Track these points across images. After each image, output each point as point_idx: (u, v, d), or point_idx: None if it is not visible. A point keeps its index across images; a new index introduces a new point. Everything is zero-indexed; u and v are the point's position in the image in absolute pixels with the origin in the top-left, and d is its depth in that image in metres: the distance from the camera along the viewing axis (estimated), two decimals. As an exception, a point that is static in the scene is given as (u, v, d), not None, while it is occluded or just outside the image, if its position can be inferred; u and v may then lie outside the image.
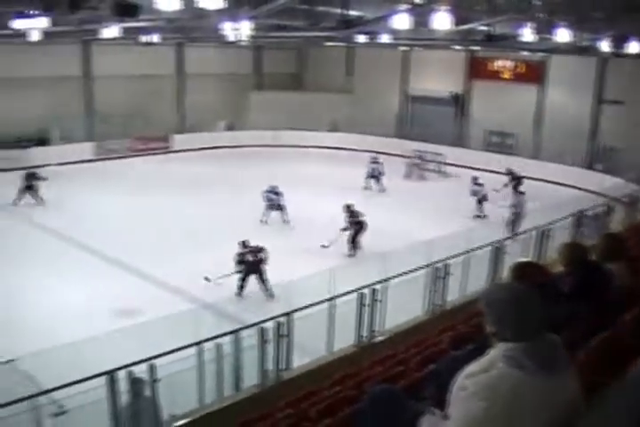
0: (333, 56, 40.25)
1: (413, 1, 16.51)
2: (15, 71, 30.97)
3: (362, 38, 20.72)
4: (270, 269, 15.99)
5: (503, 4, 15.09)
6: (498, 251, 13.27)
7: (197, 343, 9.02)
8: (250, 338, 9.54)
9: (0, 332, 13.43)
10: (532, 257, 13.87)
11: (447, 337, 8.85)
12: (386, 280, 11.42)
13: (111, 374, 7.90)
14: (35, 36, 22.20)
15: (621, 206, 18.94)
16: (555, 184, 29.41)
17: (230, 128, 39.13)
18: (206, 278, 16.42)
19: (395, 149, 34.30)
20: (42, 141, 32.30)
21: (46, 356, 8.53)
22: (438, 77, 37.10)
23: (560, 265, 5.82)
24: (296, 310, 9.91)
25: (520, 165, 30.32)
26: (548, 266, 6.55)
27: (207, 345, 9.14)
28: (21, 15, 14.96)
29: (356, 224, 19.55)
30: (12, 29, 17.92)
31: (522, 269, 5.09)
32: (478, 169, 30.77)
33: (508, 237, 15.54)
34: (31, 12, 14.20)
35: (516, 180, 26.83)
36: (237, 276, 16.23)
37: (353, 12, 14.32)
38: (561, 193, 26.85)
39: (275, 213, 22.55)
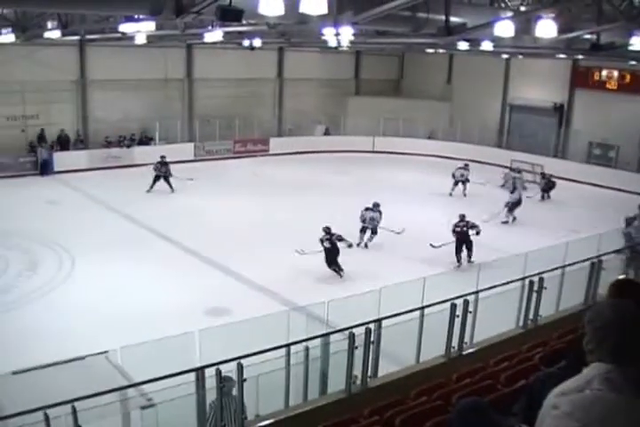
0: (433, 63, 39.96)
1: (517, 8, 16.28)
2: (120, 73, 32.06)
3: (463, 45, 20.50)
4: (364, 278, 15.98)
5: (610, 11, 14.64)
6: (596, 266, 12.84)
7: (286, 345, 9.07)
8: (337, 343, 9.54)
9: (102, 324, 13.91)
10: (632, 275, 13.40)
11: (539, 353, 8.65)
12: (478, 292, 11.24)
13: (200, 371, 8.03)
14: (141, 40, 22.91)
15: None
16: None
17: (327, 133, 39.36)
18: (298, 251, 18.11)
19: (493, 158, 33.78)
20: (144, 141, 33.29)
21: (137, 350, 8.72)
22: (540, 86, 36.30)
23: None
24: (386, 317, 9.85)
25: (621, 178, 29.48)
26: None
27: (295, 348, 9.18)
28: (129, 19, 15.45)
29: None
30: (120, 32, 18.58)
31: (621, 287, 4.89)
32: (578, 181, 30.09)
33: (606, 253, 15.01)
34: (138, 16, 14.65)
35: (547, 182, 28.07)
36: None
37: (455, 19, 14.15)
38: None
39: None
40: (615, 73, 33.03)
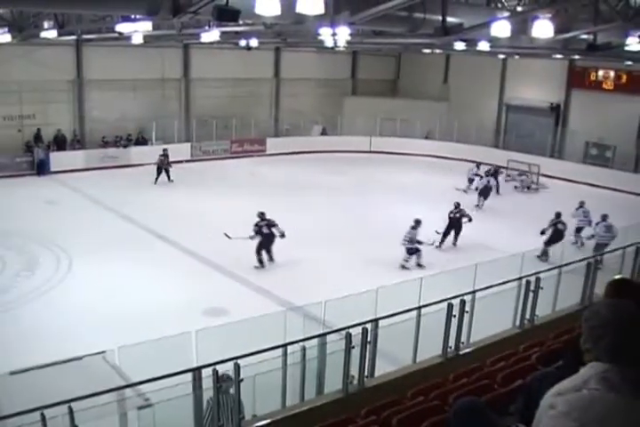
0: (430, 63, 40.00)
1: (514, 8, 16.29)
2: (117, 73, 32.04)
3: (460, 46, 20.51)
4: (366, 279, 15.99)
5: (607, 11, 14.66)
6: (592, 266, 12.86)
7: (283, 345, 9.08)
8: (334, 343, 9.53)
9: (100, 324, 13.92)
10: (628, 274, 13.41)
11: (536, 353, 8.66)
12: (475, 291, 11.25)
13: (197, 371, 8.03)
14: (137, 39, 22.89)
15: None
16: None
17: (324, 133, 39.37)
18: (226, 235, 18.36)
19: (490, 158, 33.82)
20: (140, 141, 33.28)
21: (135, 350, 8.72)
22: (536, 87, 36.35)
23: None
24: (383, 317, 9.85)
25: (617, 178, 29.57)
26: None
27: (292, 348, 9.18)
28: (126, 19, 15.44)
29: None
30: (117, 32, 18.57)
31: (618, 287, 4.90)
32: (574, 181, 30.16)
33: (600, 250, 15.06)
34: (135, 16, 14.65)
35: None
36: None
37: (452, 19, 14.16)
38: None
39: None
40: (611, 73, 33.09)
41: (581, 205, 21.72)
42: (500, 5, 16.84)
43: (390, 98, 41.83)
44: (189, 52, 35.05)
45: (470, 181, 29.00)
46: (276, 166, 33.11)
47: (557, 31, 13.84)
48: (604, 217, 19.52)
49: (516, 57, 33.41)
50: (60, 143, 31.43)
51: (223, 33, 19.49)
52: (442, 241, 20.67)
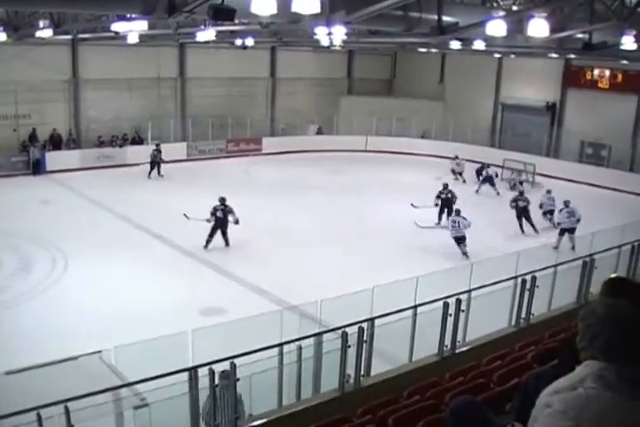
0: (425, 62, 40.05)
1: (509, 7, 16.30)
2: (112, 72, 32.01)
3: (456, 45, 20.52)
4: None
5: (603, 10, 14.68)
6: (588, 265, 12.88)
7: (279, 345, 9.08)
8: (330, 342, 9.53)
9: (96, 324, 13.89)
10: (623, 273, 13.44)
11: (531, 352, 8.68)
12: (471, 290, 11.26)
13: (193, 371, 8.03)
14: (133, 39, 22.88)
15: None
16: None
17: (320, 132, 39.36)
18: (185, 215, 19.71)
19: (486, 157, 33.81)
20: (136, 141, 33.24)
21: (131, 349, 8.71)
22: (532, 86, 36.37)
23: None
24: (379, 316, 9.85)
25: (613, 177, 29.63)
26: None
27: (288, 347, 9.18)
28: (122, 18, 15.43)
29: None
30: (113, 32, 18.54)
31: (614, 285, 4.89)
32: (570, 180, 30.19)
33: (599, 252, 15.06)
34: (131, 15, 14.63)
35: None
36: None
37: (447, 18, 14.17)
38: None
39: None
40: (607, 72, 33.13)
41: (548, 191, 23.95)
42: (495, 4, 16.88)
43: (386, 97, 41.86)
44: (185, 52, 35.02)
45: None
46: (271, 166, 33.10)
47: (553, 30, 13.85)
48: (566, 203, 21.21)
49: (512, 56, 33.46)
50: (55, 143, 31.39)
51: (219, 32, 19.47)
52: (439, 219, 22.85)
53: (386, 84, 43.87)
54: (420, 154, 36.61)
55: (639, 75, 31.88)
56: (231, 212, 19.62)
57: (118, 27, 16.74)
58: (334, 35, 17.15)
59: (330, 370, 9.46)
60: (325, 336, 9.67)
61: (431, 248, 20.03)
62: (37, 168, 29.33)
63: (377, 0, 11.92)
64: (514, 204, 22.87)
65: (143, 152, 30.62)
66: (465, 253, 19.43)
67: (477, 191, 28.63)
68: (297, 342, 9.26)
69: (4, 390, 8.15)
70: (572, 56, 29.57)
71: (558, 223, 21.38)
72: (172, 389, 7.83)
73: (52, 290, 16.32)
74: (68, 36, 24.62)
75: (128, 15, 14.82)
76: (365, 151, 37.43)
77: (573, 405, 2.57)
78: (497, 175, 29.76)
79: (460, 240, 19.60)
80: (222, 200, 19.89)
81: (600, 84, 33.65)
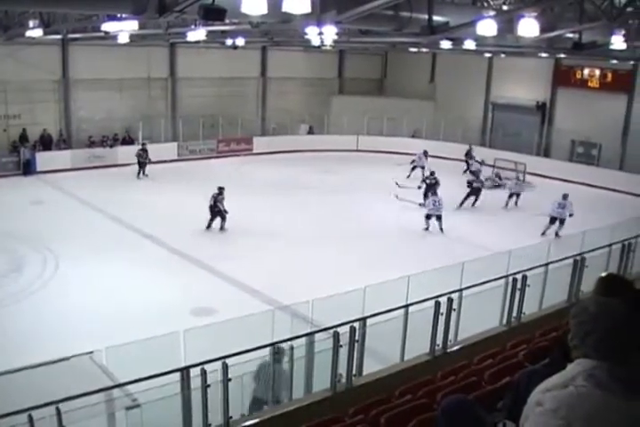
0: (416, 62, 40.10)
1: (500, 7, 16.34)
2: (103, 72, 31.92)
3: (446, 44, 20.54)
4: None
5: (592, 10, 14.74)
6: (578, 264, 12.92)
7: (271, 344, 9.07)
8: (322, 342, 9.53)
9: (87, 324, 13.87)
10: (614, 272, 13.47)
11: (523, 350, 8.70)
12: (463, 289, 11.27)
13: (185, 371, 8.02)
14: (124, 39, 22.82)
15: None
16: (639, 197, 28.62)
17: (311, 132, 39.36)
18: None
19: (477, 157, 33.88)
20: (127, 141, 33.16)
21: (123, 350, 8.69)
22: (523, 85, 36.47)
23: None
24: (370, 316, 9.86)
25: (604, 176, 29.76)
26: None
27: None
28: (112, 18, 15.38)
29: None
30: (103, 31, 18.49)
31: (607, 282, 4.88)
32: (560, 179, 30.27)
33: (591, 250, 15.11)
34: (121, 15, 14.59)
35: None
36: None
37: (438, 18, 14.19)
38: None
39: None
40: (597, 71, 33.25)
41: (517, 177, 26.34)
42: (485, 4, 16.90)
43: (377, 97, 41.89)
44: (176, 52, 34.95)
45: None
46: (263, 166, 33.07)
47: (543, 30, 13.89)
48: (564, 196, 22.59)
49: (502, 56, 33.53)
50: (45, 143, 31.28)
51: (209, 32, 19.45)
52: (424, 200, 24.34)
53: (377, 83, 43.91)
54: (411, 153, 36.59)
55: (629, 74, 32.05)
56: (221, 202, 21.47)
57: (109, 27, 16.68)
58: (325, 34, 17.13)
59: (321, 370, 9.47)
60: (317, 336, 9.67)
61: (423, 247, 20.07)
62: (28, 169, 29.22)
63: (367, 0, 11.93)
64: (469, 184, 26.11)
65: (134, 152, 30.57)
66: (441, 229, 22.33)
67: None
68: (289, 342, 9.26)
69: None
70: (562, 55, 29.68)
71: (550, 213, 22.51)
72: (164, 389, 7.82)
73: (44, 291, 16.26)
74: (58, 36, 24.53)
75: (118, 15, 14.77)
76: (356, 151, 37.46)
77: (564, 403, 2.58)
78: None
79: (439, 218, 22.31)
80: (221, 190, 21.74)
81: (590, 84, 33.77)
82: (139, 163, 29.41)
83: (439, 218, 22.44)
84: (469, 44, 19.75)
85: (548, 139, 35.43)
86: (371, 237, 21.11)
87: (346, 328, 9.33)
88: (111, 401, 8.03)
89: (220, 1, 10.46)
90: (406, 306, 10.63)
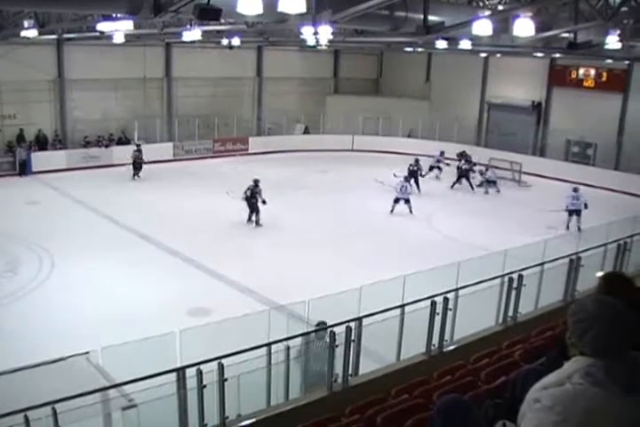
0: (412, 62, 40.11)
1: (495, 7, 16.35)
2: (98, 72, 31.87)
3: (442, 44, 20.52)
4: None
5: (587, 10, 14.76)
6: (574, 263, 12.93)
7: (267, 344, 9.06)
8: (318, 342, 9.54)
9: (83, 325, 13.85)
10: (610, 271, 13.49)
11: (519, 350, 8.71)
12: (458, 289, 11.28)
13: (181, 371, 8.01)
14: (119, 39, 22.79)
15: None
16: (635, 196, 28.63)
17: (306, 132, 39.35)
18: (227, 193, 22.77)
19: (473, 156, 33.88)
20: (123, 141, 33.13)
21: (119, 350, 8.68)
22: (518, 85, 36.49)
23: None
24: (367, 316, 9.86)
25: (599, 176, 29.82)
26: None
27: (276, 347, 9.17)
28: (107, 18, 15.37)
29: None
30: (98, 31, 18.48)
31: (610, 280, 4.87)
32: (556, 179, 30.33)
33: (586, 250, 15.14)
34: (116, 15, 14.58)
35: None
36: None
37: (433, 18, 14.19)
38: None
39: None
40: (592, 71, 33.28)
41: (575, 190, 24.19)
42: (481, 4, 16.91)
43: (372, 97, 41.92)
44: (171, 52, 34.91)
45: (431, 168, 31.22)
46: (258, 165, 32.98)
47: (538, 30, 13.91)
48: (575, 189, 23.66)
49: (498, 55, 33.60)
50: (41, 143, 31.22)
51: (205, 32, 19.45)
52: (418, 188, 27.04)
53: (372, 83, 43.92)
54: (406, 153, 36.61)
55: (624, 74, 32.09)
56: (259, 193, 21.93)
57: (104, 26, 16.69)
58: (320, 34, 17.11)
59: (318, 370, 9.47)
60: (313, 336, 9.67)
61: (419, 247, 20.07)
62: (24, 169, 29.15)
63: (363, 0, 11.94)
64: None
65: (129, 152, 30.58)
66: (410, 211, 24.36)
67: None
68: (285, 342, 9.25)
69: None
70: (558, 55, 29.77)
71: (566, 206, 23.23)
72: (160, 389, 7.81)
73: (39, 291, 16.24)
74: (54, 36, 24.49)
75: (113, 15, 14.76)
76: (352, 151, 37.46)
77: (561, 400, 2.59)
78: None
79: (407, 201, 24.32)
80: (256, 182, 22.26)
81: (585, 83, 33.81)
82: (134, 164, 29.23)
83: (407, 201, 24.34)
84: (465, 44, 19.75)
85: (544, 138, 35.45)
86: (366, 237, 21.12)
87: (342, 328, 9.33)
88: (107, 402, 8.02)
89: (215, 1, 10.45)
90: (402, 306, 10.63)
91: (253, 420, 8.49)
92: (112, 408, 8.09)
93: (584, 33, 16.96)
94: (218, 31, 21.45)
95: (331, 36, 18.72)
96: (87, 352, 9.18)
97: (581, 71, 33.73)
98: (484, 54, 34.16)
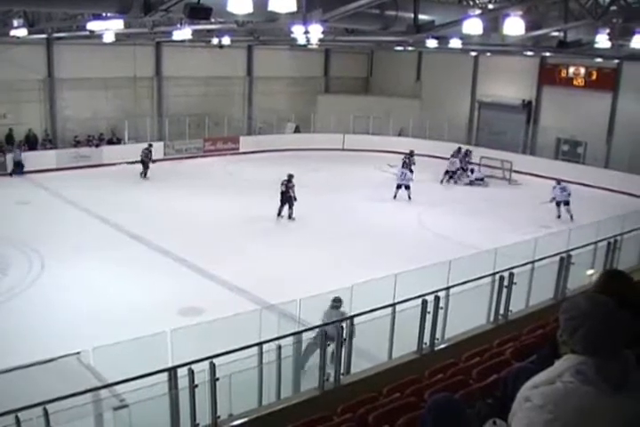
0: (402, 61, 40.14)
1: (485, 6, 16.39)
2: (88, 71, 31.75)
3: (432, 43, 20.54)
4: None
5: (577, 9, 14.81)
6: (565, 261, 12.97)
7: (258, 344, 9.06)
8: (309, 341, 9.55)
9: (74, 325, 13.79)
10: (600, 269, 13.56)
11: (510, 348, 8.73)
12: (450, 288, 11.30)
13: (172, 371, 8.00)
14: (109, 38, 22.73)
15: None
16: (624, 194, 28.73)
17: (297, 131, 39.34)
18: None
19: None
20: (113, 141, 33.04)
21: (110, 350, 8.67)
22: (508, 84, 36.56)
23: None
24: (358, 315, 9.88)
25: (589, 174, 29.92)
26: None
27: (268, 346, 9.17)
28: (97, 17, 15.33)
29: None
30: (88, 30, 18.42)
31: (609, 277, 4.86)
32: (546, 177, 30.38)
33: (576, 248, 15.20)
34: (106, 14, 14.53)
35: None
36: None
37: (424, 17, 14.22)
38: (631, 204, 26.20)
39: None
40: (582, 70, 33.38)
41: (559, 182, 25.31)
42: (471, 3, 16.96)
43: (363, 95, 41.94)
44: (161, 51, 34.82)
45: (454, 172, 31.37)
46: (249, 165, 33.03)
47: (528, 28, 13.96)
48: (559, 181, 25.00)
49: (488, 54, 33.67)
50: (31, 143, 31.09)
51: (195, 31, 19.40)
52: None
53: (363, 82, 43.93)
54: (397, 152, 36.64)
55: (614, 72, 32.19)
56: (292, 188, 22.57)
57: (94, 26, 16.64)
58: (311, 33, 17.13)
59: (309, 369, 9.47)
60: (305, 335, 9.68)
61: (409, 246, 20.09)
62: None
63: (353, -2, 11.96)
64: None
65: (120, 152, 30.50)
66: (409, 197, 26.10)
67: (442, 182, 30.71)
68: (276, 342, 9.25)
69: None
70: (548, 54, 29.84)
71: (553, 198, 24.70)
72: (152, 389, 7.80)
73: (30, 292, 16.16)
74: (43, 35, 24.40)
75: (103, 14, 14.72)
76: (343, 150, 37.45)
77: (552, 399, 2.60)
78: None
79: (407, 187, 26.01)
80: (290, 177, 22.97)
81: (575, 82, 33.91)
82: (143, 162, 29.20)
83: (407, 187, 26.04)
84: (455, 43, 19.75)
85: (534, 137, 35.51)
86: (358, 236, 21.12)
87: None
88: (99, 402, 8.01)
89: (205, 0, 10.44)
90: (393, 304, 10.65)
91: (245, 419, 8.49)
92: (103, 408, 8.07)
93: (574, 32, 17.03)
94: (208, 30, 21.44)
95: (321, 35, 18.75)
96: (78, 352, 9.17)
97: (571, 70, 33.83)
98: (474, 53, 34.21)
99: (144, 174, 29.14)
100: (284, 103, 39.41)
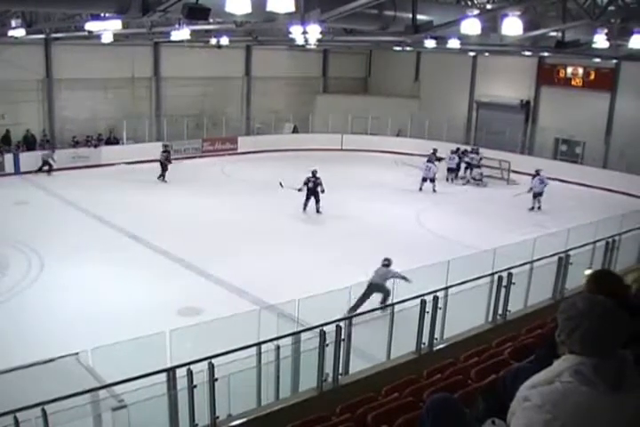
0: (400, 61, 40.15)
1: (484, 6, 16.39)
2: (87, 72, 31.72)
3: (430, 43, 20.55)
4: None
5: (575, 9, 14.82)
6: (563, 261, 12.98)
7: (257, 344, 9.06)
8: (308, 341, 9.52)
9: (73, 325, 13.78)
10: (599, 268, 13.55)
11: (508, 348, 8.74)
12: (448, 288, 11.30)
13: (171, 371, 8.00)
14: (107, 38, 22.72)
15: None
16: (623, 194, 28.75)
17: (295, 131, 39.33)
18: (280, 184, 23.62)
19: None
20: (112, 141, 33.02)
21: (109, 351, 8.66)
22: (507, 84, 36.58)
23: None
24: (357, 315, 9.88)
25: (588, 174, 29.93)
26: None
27: (266, 346, 9.16)
28: (95, 17, 15.32)
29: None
30: (86, 31, 18.41)
31: (599, 278, 4.87)
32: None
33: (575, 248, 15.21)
34: (104, 14, 14.53)
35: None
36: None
37: (422, 17, 14.22)
38: (629, 204, 26.22)
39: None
40: (580, 70, 33.40)
41: (537, 172, 26.16)
42: (469, 3, 16.97)
43: (361, 96, 41.93)
44: (160, 51, 34.79)
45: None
46: (247, 165, 33.02)
47: (526, 29, 13.96)
48: (537, 171, 25.98)
49: (486, 54, 33.67)
50: (29, 144, 31.06)
51: (193, 31, 19.38)
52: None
53: (361, 82, 43.93)
54: (396, 152, 36.70)
55: (612, 72, 32.20)
56: (320, 184, 23.44)
57: (92, 26, 16.63)
58: (309, 33, 17.12)
59: (308, 369, 9.46)
60: (303, 335, 9.67)
61: (408, 245, 20.07)
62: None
63: (351, -1, 11.96)
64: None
65: (118, 152, 30.45)
66: (434, 190, 27.86)
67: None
68: (275, 342, 9.25)
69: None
70: (546, 54, 29.85)
71: (531, 188, 25.60)
72: (151, 390, 7.79)
73: (28, 292, 16.16)
74: (41, 36, 24.39)
75: (102, 14, 14.72)
76: (341, 150, 37.45)
77: (550, 399, 2.60)
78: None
79: (432, 180, 27.89)
80: (314, 172, 23.79)
81: (573, 82, 33.93)
82: (162, 165, 28.76)
83: (432, 180, 27.92)
84: (453, 43, 19.77)
85: (532, 137, 35.55)
86: (357, 236, 21.11)
87: (332, 327, 9.34)
88: (97, 402, 8.00)
89: (203, 0, 10.44)
90: (392, 304, 10.65)
91: (244, 420, 8.49)
92: (102, 409, 8.06)
93: (572, 32, 17.04)
94: (206, 30, 21.44)
95: (319, 36, 18.73)
96: (77, 353, 9.16)
97: (569, 70, 33.85)
98: (472, 53, 34.23)
99: (162, 177, 28.71)
100: (282, 103, 39.41)
